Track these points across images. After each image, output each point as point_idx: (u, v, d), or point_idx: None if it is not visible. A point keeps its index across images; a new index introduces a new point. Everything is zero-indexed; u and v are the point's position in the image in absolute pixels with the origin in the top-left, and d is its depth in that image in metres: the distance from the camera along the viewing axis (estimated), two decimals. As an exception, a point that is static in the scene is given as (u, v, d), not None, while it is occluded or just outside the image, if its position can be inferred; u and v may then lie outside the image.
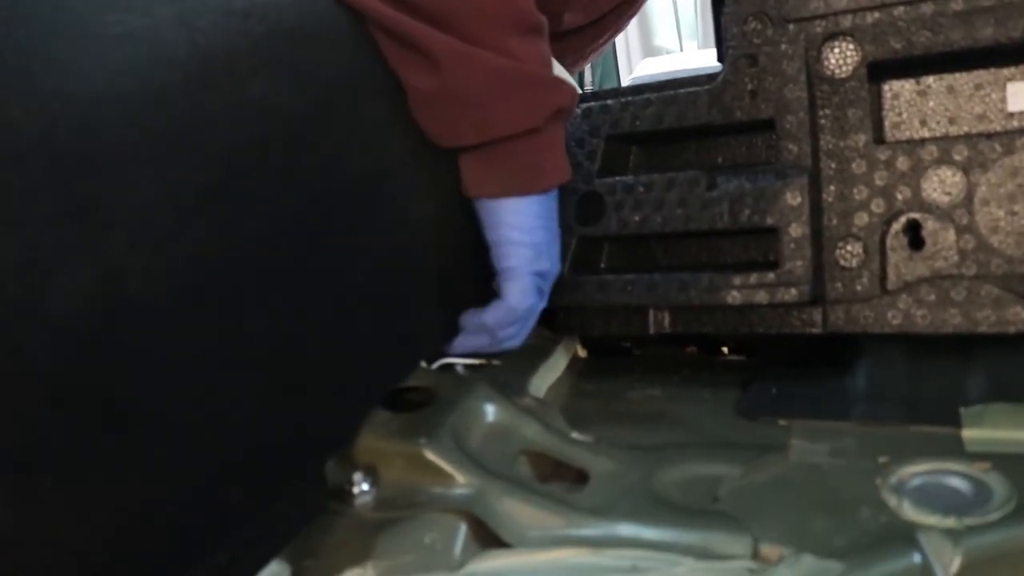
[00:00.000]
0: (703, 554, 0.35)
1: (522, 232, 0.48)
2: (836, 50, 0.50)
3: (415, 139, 0.47)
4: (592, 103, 0.57)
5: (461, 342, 0.50)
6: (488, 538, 0.38)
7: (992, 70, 0.49)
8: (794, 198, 0.50)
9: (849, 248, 0.50)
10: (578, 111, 0.57)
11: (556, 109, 0.47)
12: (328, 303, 0.40)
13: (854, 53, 0.49)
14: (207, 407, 0.33)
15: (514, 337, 0.50)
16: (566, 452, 0.45)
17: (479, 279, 0.50)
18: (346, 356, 0.42)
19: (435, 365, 0.50)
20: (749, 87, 0.52)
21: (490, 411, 0.46)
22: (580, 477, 0.43)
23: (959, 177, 0.48)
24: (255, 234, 0.36)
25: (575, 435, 0.47)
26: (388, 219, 0.46)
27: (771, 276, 0.50)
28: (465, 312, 0.50)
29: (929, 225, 0.48)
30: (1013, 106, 0.48)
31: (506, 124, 0.46)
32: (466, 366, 0.50)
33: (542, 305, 0.51)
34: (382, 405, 0.45)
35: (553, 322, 0.58)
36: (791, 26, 0.51)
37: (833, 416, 0.46)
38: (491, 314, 0.49)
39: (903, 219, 0.49)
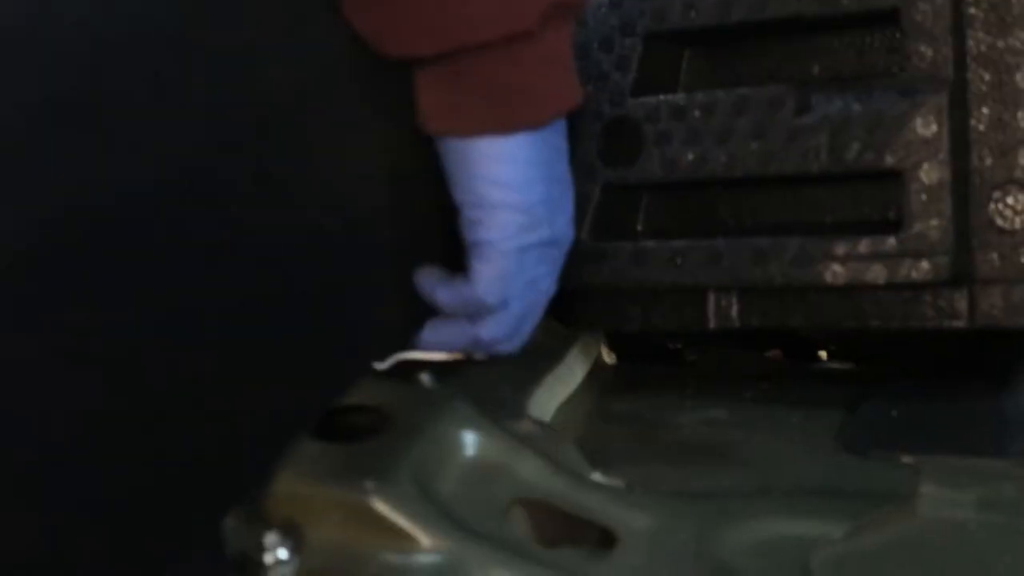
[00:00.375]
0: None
1: (508, 189, 0.47)
2: None
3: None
4: (625, -16, 0.58)
5: (431, 334, 0.50)
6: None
7: None
8: (927, 126, 0.49)
9: (1010, 200, 0.49)
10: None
11: (555, 1, 0.45)
12: (224, 285, 0.41)
13: None
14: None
15: (502, 342, 0.50)
16: (583, 502, 0.45)
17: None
18: (250, 361, 0.42)
19: (386, 364, 0.50)
20: None
21: (471, 441, 0.46)
22: (605, 539, 0.43)
23: None
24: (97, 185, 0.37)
25: (597, 477, 0.47)
26: (326, 157, 0.46)
27: (892, 242, 0.50)
28: (428, 272, 0.50)
29: None
30: None
31: (479, 24, 0.44)
32: (434, 367, 0.50)
33: (544, 299, 0.51)
34: (311, 432, 0.44)
35: (565, 311, 0.58)
36: None
37: (982, 451, 0.47)
38: (449, 295, 0.48)
39: (1092, 157, 0.50)
